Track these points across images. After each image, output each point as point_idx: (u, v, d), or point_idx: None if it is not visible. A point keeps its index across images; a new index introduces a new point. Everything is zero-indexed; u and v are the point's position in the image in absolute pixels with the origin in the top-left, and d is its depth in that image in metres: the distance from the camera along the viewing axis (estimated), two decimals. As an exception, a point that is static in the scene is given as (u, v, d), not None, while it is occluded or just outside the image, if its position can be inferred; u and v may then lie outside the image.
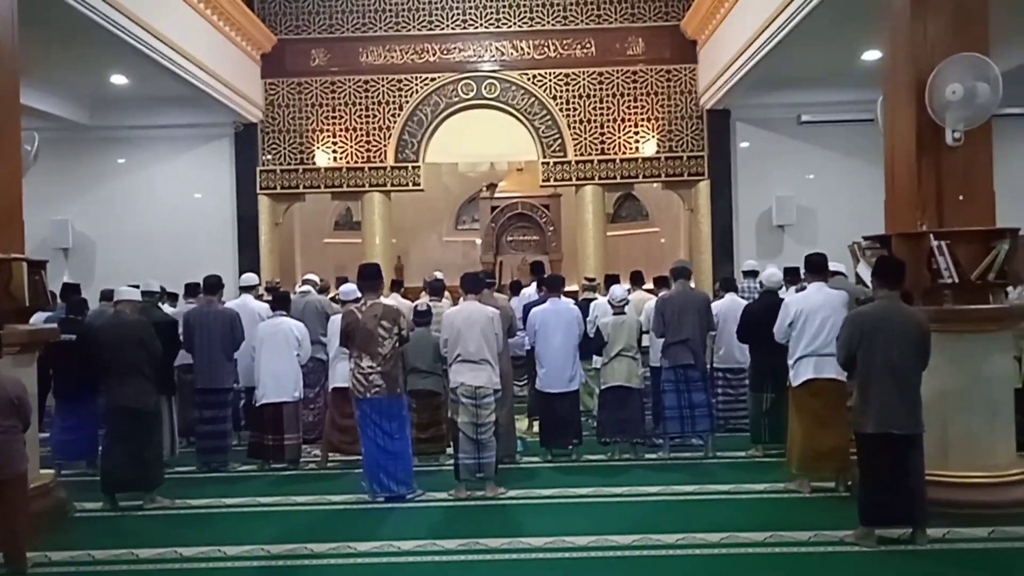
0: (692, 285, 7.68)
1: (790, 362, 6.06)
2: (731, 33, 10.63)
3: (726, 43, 10.86)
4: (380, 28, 12.77)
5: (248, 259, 12.38)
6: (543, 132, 12.63)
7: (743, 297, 8.41)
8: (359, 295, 7.46)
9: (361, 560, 4.85)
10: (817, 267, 6.25)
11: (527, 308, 7.95)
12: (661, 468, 6.90)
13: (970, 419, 5.44)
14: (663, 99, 12.48)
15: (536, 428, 7.81)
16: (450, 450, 6.61)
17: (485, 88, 12.68)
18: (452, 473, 6.21)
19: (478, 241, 14.88)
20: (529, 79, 12.62)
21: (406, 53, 12.73)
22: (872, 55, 10.02)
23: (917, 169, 5.68)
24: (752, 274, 8.96)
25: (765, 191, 12.25)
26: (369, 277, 6.39)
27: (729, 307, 7.99)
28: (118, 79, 10.94)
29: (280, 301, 7.52)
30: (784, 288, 7.65)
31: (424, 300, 8.16)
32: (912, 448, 4.74)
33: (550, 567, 4.67)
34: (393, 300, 7.81)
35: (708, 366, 8.14)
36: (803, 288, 6.72)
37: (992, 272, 5.46)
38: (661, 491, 6.13)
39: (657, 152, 12.47)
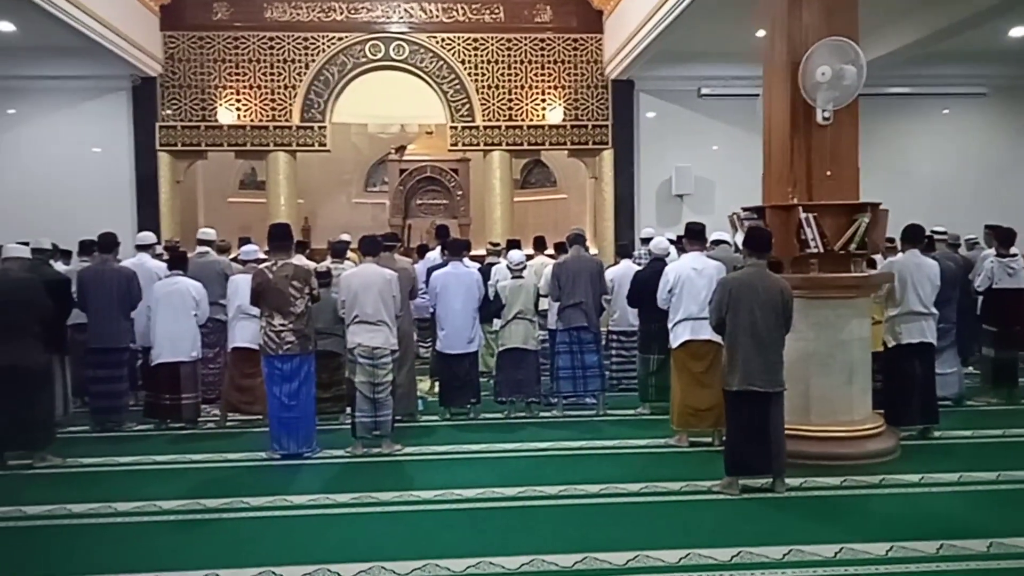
0: (595, 251, 7.93)
1: (670, 325, 6.42)
2: (635, 5, 10.87)
3: (630, 14, 11.10)
4: (285, -16, 12.55)
5: (148, 217, 12.09)
6: (452, 96, 12.69)
7: (637, 263, 8.75)
8: (260, 255, 7.47)
9: (252, 514, 4.96)
10: (695, 235, 6.61)
11: (430, 271, 8.11)
12: (553, 425, 7.22)
13: (830, 378, 5.92)
14: (570, 68, 12.68)
15: (437, 388, 8.02)
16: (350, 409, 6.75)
17: (393, 50, 12.63)
18: (350, 431, 6.38)
19: (388, 203, 14.87)
20: (438, 43, 12.62)
21: (312, 11, 12.55)
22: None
23: (790, 146, 6.07)
24: (649, 241, 9.30)
25: (666, 161, 12.68)
26: (279, 238, 6.40)
27: (624, 273, 8.28)
28: (5, 26, 10.45)
29: (177, 261, 7.44)
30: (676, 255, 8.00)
31: (326, 262, 8.21)
32: (772, 404, 5.14)
33: (434, 517, 4.89)
34: (298, 261, 7.83)
35: (605, 329, 8.52)
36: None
37: (854, 243, 5.93)
38: (550, 447, 6.44)
39: (563, 120, 12.69)
